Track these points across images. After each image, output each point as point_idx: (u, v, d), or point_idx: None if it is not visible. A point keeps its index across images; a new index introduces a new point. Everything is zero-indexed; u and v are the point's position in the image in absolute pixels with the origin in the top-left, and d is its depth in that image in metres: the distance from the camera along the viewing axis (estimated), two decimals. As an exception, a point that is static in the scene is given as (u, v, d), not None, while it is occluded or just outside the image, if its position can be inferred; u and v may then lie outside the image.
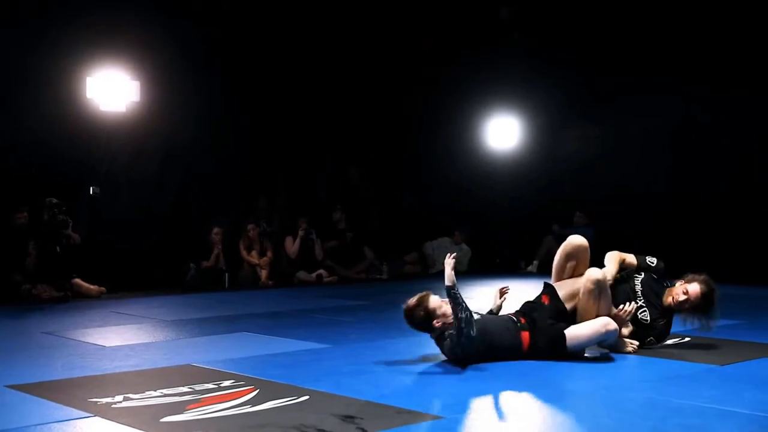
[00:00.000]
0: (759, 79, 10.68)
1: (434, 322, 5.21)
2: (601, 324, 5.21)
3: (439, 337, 5.25)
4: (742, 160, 11.10)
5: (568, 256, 5.59)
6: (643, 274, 5.72)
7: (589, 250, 5.59)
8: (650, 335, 5.60)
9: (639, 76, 11.50)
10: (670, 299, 5.60)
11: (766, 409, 4.07)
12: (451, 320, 5.10)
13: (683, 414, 3.98)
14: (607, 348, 5.42)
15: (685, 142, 11.47)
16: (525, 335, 5.27)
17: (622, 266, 5.73)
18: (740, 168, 11.13)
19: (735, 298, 9.04)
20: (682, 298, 5.54)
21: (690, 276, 5.63)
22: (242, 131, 11.78)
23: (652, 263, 5.74)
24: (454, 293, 4.96)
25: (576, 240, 5.62)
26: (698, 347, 5.76)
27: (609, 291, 5.39)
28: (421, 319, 5.22)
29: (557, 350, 5.21)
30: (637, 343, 5.46)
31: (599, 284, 5.31)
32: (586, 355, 5.37)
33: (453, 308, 4.99)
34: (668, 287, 5.66)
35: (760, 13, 10.70)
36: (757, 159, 11.09)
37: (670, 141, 11.68)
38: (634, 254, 5.77)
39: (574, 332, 5.23)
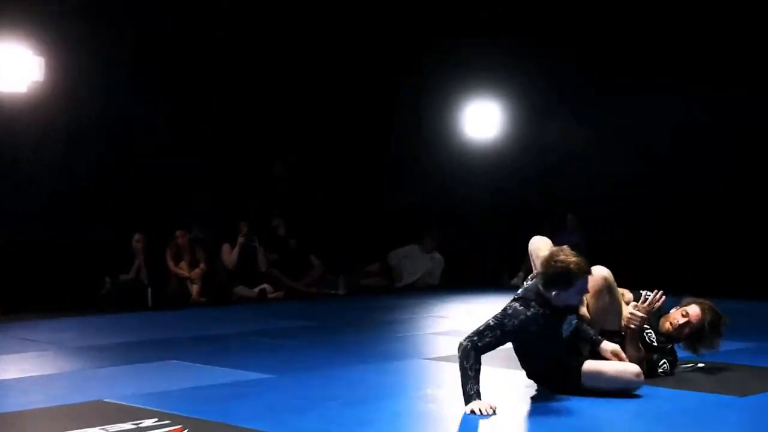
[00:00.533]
0: (755, 76, 11.35)
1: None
2: (632, 372, 5.22)
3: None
4: (741, 159, 11.73)
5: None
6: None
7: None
8: (663, 358, 5.76)
9: (634, 68, 12.06)
10: (668, 324, 5.86)
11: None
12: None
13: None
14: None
15: (683, 140, 12.00)
16: None
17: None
18: (739, 167, 11.75)
19: (744, 314, 9.21)
20: (682, 321, 5.80)
21: (688, 299, 5.92)
22: (161, 111, 11.71)
23: (648, 296, 5.86)
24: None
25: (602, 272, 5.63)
26: (714, 374, 5.83)
27: (617, 289, 5.54)
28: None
29: (569, 386, 5.23)
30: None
31: (608, 280, 5.45)
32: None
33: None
34: (664, 314, 5.92)
35: (753, 7, 11.38)
36: (755, 159, 11.74)
37: (667, 136, 12.18)
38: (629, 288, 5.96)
39: (594, 368, 5.24)
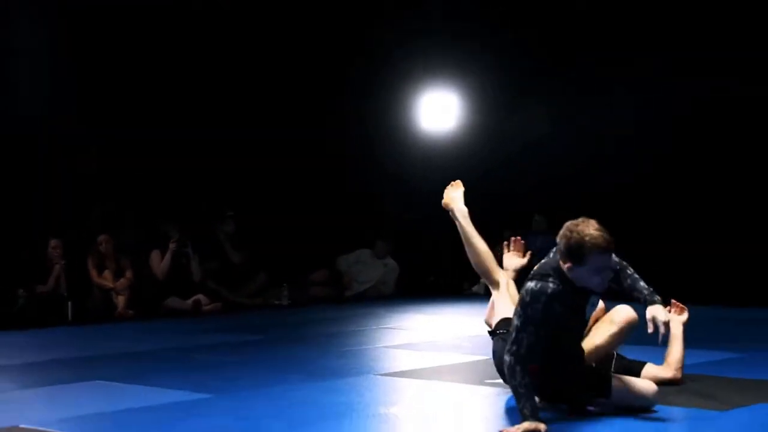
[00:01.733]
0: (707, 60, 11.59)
1: None
2: (652, 389, 5.20)
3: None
4: (709, 146, 11.93)
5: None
6: None
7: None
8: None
9: (591, 55, 12.39)
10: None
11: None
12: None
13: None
14: None
15: (645, 125, 12.26)
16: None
17: None
18: (709, 156, 11.95)
19: (722, 322, 9.39)
20: None
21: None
22: (99, 106, 11.66)
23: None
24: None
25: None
26: (694, 388, 5.91)
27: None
28: None
29: (595, 395, 5.16)
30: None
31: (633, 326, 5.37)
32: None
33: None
34: None
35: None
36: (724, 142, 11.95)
37: (630, 123, 12.42)
38: None
39: (622, 383, 5.21)
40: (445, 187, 6.22)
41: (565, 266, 4.87)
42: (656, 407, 5.20)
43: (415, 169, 13.68)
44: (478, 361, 5.12)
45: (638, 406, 5.16)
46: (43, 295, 10.82)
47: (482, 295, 11.97)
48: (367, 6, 13.17)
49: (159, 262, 11.75)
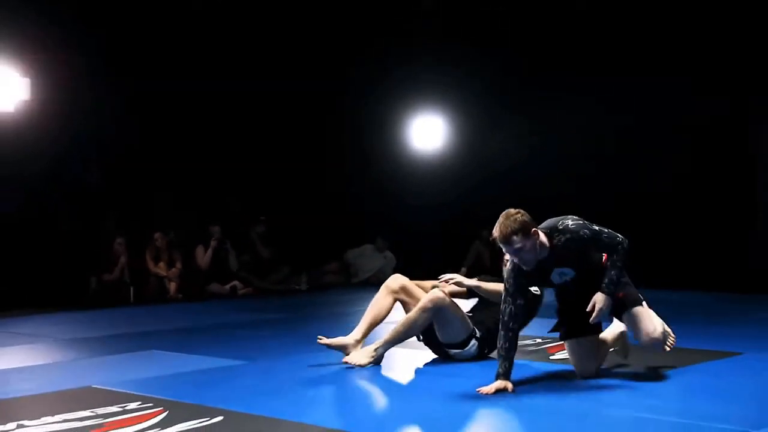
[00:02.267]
0: (695, 76, 10.89)
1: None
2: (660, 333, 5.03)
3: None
4: (684, 159, 11.22)
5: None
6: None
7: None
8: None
9: (571, 72, 11.63)
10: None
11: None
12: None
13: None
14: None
15: (622, 142, 11.60)
16: None
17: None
18: (682, 168, 11.26)
19: (668, 303, 9.31)
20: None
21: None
22: (141, 133, 11.60)
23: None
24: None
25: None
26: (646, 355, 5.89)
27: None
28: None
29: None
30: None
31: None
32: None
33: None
34: None
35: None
36: (695, 157, 11.24)
37: (605, 140, 11.79)
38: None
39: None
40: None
41: None
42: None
43: (407, 181, 13.63)
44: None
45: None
46: (110, 282, 10.82)
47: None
48: (361, 34, 12.84)
49: (203, 256, 11.75)
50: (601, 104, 11.50)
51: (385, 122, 13.63)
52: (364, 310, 5.88)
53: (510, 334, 4.79)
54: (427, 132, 13.67)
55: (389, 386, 5.22)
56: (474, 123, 13.20)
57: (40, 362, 6.28)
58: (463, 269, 12.55)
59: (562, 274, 4.94)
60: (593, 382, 5.00)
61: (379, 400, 4.99)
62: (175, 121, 12.03)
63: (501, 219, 4.79)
